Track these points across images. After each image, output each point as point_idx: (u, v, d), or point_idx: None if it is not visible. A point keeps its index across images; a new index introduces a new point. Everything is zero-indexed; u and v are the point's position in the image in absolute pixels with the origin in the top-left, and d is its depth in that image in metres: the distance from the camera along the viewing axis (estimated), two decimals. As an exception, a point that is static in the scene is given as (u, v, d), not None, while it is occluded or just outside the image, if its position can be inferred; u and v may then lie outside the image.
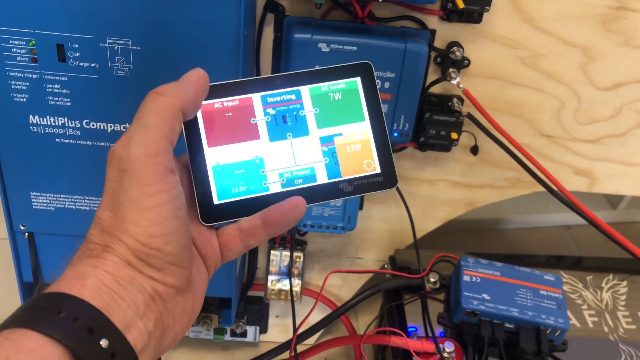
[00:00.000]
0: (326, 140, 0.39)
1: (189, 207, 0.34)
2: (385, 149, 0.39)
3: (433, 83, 0.66)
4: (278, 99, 0.38)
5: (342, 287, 0.81)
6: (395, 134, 0.62)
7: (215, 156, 0.36)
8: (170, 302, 0.32)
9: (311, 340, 0.85)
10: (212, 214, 0.36)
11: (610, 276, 0.76)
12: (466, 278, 0.66)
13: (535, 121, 0.70)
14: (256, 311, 0.81)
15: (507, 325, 0.64)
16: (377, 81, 0.59)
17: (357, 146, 0.39)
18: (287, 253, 0.76)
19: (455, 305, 0.65)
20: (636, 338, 0.68)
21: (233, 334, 0.82)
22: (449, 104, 0.66)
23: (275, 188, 0.37)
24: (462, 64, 0.65)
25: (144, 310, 0.30)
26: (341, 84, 0.39)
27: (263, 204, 0.37)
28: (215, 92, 0.36)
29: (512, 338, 0.63)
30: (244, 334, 0.82)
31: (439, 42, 0.64)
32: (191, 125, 0.36)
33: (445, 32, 0.63)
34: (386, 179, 0.39)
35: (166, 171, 0.31)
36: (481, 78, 0.67)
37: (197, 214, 0.36)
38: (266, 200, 0.37)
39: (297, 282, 0.78)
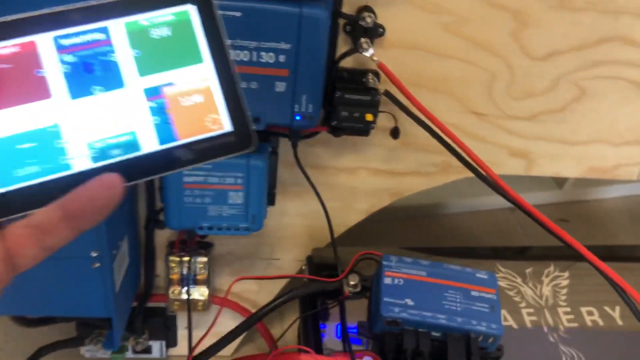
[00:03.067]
0: (152, 93, 0.29)
1: None
2: (235, 99, 0.30)
3: (343, 56, 0.56)
4: (78, 40, 0.28)
5: (259, 292, 0.72)
6: (298, 117, 0.53)
7: None
8: None
9: (228, 351, 0.76)
10: None
11: (552, 267, 0.69)
12: (387, 280, 0.57)
13: (463, 97, 0.61)
14: (160, 324, 0.71)
15: (433, 333, 0.55)
16: (270, 54, 0.50)
17: (196, 97, 0.29)
18: (189, 258, 0.66)
19: (375, 313, 0.57)
20: (577, 337, 0.61)
21: (135, 350, 0.72)
22: (363, 80, 0.57)
23: (81, 164, 0.27)
24: (375, 32, 0.55)
25: None
26: (168, 15, 0.29)
27: (64, 189, 0.26)
28: None
29: (440, 348, 0.55)
30: (147, 350, 0.72)
31: (348, 7, 0.54)
32: None
33: (353, -5, 0.54)
34: (239, 139, 0.30)
35: None
36: (399, 49, 0.57)
37: None
38: (69, 182, 0.27)
39: (204, 289, 0.68)
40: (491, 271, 0.60)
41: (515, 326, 0.61)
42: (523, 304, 0.64)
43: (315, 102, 0.52)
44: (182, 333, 0.75)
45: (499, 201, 1.08)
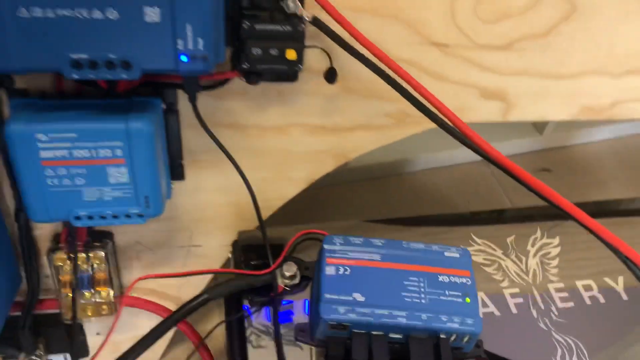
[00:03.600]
0: None
1: None
2: None
3: (249, -30, 0.40)
4: None
5: (182, 287, 0.58)
6: (184, 58, 0.37)
7: None
8: None
9: (155, 355, 0.63)
10: None
11: (538, 232, 0.57)
12: (329, 270, 0.44)
13: (418, 23, 0.46)
14: (59, 334, 0.57)
15: (392, 335, 0.42)
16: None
17: None
18: (81, 255, 0.51)
19: (315, 315, 0.43)
20: (574, 321, 0.49)
21: (32, 369, 0.58)
22: (281, 3, 0.42)
23: None
24: None
25: None
26: None
27: None
28: None
29: (401, 353, 0.43)
30: (48, 367, 0.58)
31: None
32: None
33: None
34: None
35: None
36: (326, -43, 0.42)
37: None
38: None
39: (106, 290, 0.54)
40: (464, 247, 0.47)
41: (497, 313, 0.49)
42: (505, 283, 0.51)
43: (208, 35, 0.37)
44: (94, 340, 0.61)
45: (472, 153, 0.95)
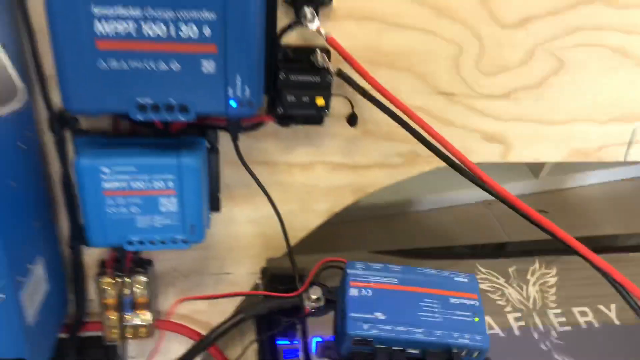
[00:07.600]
0: None
1: None
2: None
3: (285, 30, 0.48)
4: None
5: (211, 312, 0.63)
6: (233, 104, 0.44)
7: None
8: None
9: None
10: None
11: (537, 264, 0.62)
12: (353, 292, 0.49)
13: (428, 75, 0.53)
14: (100, 356, 0.61)
15: (410, 351, 0.47)
16: (191, 26, 0.41)
17: None
18: (124, 279, 0.56)
19: (341, 332, 0.48)
20: (572, 343, 0.54)
21: (69, 390, 0.62)
22: (311, 58, 0.49)
23: None
24: (320, 0, 0.47)
25: None
26: None
27: None
28: None
29: (419, 367, 0.47)
30: (84, 388, 0.62)
31: (287, -28, 0.46)
32: None
33: (293, -43, 0.46)
34: None
35: None
36: (351, 20, 0.49)
37: None
38: None
39: (146, 313, 0.58)
40: (471, 273, 0.52)
41: (501, 334, 0.54)
42: (509, 308, 0.56)
43: (253, 84, 0.44)
44: (126, 364, 0.65)
45: (473, 195, 1.01)
